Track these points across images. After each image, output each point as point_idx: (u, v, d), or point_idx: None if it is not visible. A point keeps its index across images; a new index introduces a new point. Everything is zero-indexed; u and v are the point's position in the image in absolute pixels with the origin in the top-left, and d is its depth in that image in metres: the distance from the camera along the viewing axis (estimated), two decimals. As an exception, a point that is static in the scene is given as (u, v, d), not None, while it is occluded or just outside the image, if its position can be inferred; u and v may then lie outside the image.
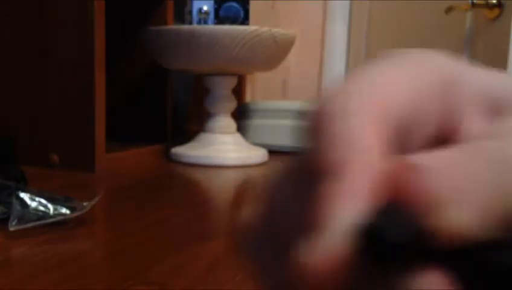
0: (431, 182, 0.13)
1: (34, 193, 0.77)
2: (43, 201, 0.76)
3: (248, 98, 1.92)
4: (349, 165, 0.13)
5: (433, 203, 0.12)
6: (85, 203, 0.79)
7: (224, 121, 1.43)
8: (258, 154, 1.43)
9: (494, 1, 1.63)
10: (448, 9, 1.70)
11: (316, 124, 0.15)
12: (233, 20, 1.54)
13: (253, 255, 0.16)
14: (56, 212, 0.76)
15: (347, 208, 0.12)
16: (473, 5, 1.67)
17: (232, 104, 1.44)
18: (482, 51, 1.70)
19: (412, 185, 0.13)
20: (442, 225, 0.12)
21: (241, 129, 1.56)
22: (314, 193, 0.13)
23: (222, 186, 1.21)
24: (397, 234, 0.12)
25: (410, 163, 0.13)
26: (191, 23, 1.56)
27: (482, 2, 1.66)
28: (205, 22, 1.56)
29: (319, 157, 0.14)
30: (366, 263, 0.12)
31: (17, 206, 0.74)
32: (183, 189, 1.16)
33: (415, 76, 0.15)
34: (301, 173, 0.15)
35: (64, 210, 0.77)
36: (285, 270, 0.14)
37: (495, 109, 0.15)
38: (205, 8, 1.55)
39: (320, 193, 0.13)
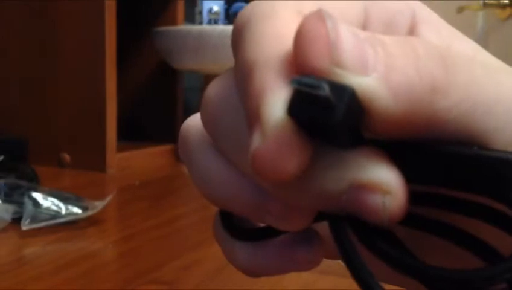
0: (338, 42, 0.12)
1: (46, 193, 0.78)
2: (55, 201, 0.77)
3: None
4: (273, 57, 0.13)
5: (333, 57, 0.12)
6: (97, 203, 0.80)
7: (234, 121, 1.43)
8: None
9: (506, 1, 1.61)
10: (460, 9, 1.68)
11: (240, 27, 0.15)
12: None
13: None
14: (68, 211, 0.77)
15: (274, 94, 0.13)
16: (485, 5, 1.66)
17: (242, 104, 1.44)
18: (494, 50, 1.68)
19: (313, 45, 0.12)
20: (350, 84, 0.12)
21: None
22: (248, 90, 0.13)
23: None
24: (305, 109, 0.12)
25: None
26: (201, 23, 1.56)
27: (494, 1, 1.64)
28: (215, 23, 1.56)
29: (246, 56, 0.14)
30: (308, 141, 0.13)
31: (29, 206, 0.75)
32: (193, 189, 1.15)
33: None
34: (236, 76, 0.15)
35: (76, 210, 0.77)
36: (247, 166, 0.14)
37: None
38: (215, 8, 1.55)
39: (251, 87, 0.13)
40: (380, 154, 0.13)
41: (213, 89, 0.16)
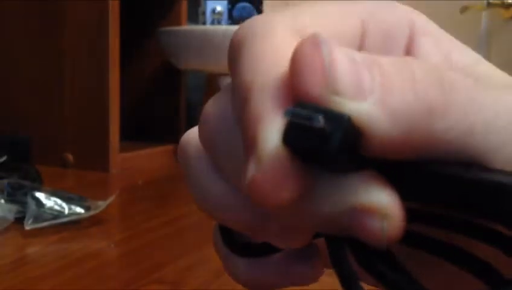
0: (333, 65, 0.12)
1: (49, 193, 0.78)
2: (58, 200, 0.77)
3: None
4: (271, 80, 0.13)
5: (328, 84, 0.12)
6: (100, 203, 0.80)
7: (237, 121, 1.43)
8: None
9: (510, 1, 1.61)
10: (463, 9, 1.68)
11: (237, 46, 0.15)
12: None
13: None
14: (71, 211, 0.77)
15: (270, 122, 0.13)
16: (488, 4, 1.66)
17: (245, 105, 1.44)
18: (498, 50, 1.68)
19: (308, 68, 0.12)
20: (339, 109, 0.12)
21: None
22: (244, 115, 0.13)
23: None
24: (302, 137, 0.12)
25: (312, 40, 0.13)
26: (204, 23, 1.56)
27: (498, 1, 1.64)
28: (219, 23, 1.56)
29: (242, 78, 0.14)
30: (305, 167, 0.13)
31: (32, 206, 0.75)
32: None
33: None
34: (233, 97, 0.15)
35: (79, 209, 0.77)
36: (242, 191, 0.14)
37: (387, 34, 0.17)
38: (219, 8, 1.55)
39: (247, 114, 0.13)
40: (377, 178, 0.13)
41: (211, 108, 0.16)
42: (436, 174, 0.13)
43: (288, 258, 0.17)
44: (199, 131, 0.16)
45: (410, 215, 0.13)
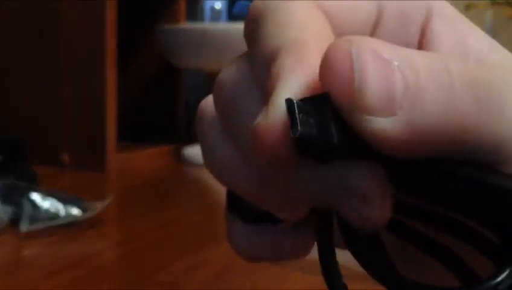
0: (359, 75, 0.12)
1: (45, 194, 0.77)
2: (55, 202, 0.76)
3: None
4: (296, 44, 0.14)
5: (356, 100, 0.12)
6: (97, 204, 0.79)
7: (236, 121, 1.43)
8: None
9: (513, -2, 1.61)
10: (468, 7, 1.68)
11: (258, 16, 0.15)
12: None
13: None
14: (67, 213, 0.76)
15: (289, 84, 0.13)
16: (493, 3, 1.66)
17: (245, 104, 1.44)
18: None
19: (336, 73, 0.13)
20: (361, 126, 0.12)
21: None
22: (269, 74, 0.14)
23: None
24: (306, 131, 0.13)
25: (342, 44, 0.13)
26: (203, 21, 1.56)
27: (502, 0, 1.64)
28: (217, 21, 1.56)
29: (268, 43, 0.14)
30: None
31: (28, 207, 0.74)
32: (194, 190, 1.16)
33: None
34: (251, 63, 0.16)
35: (75, 211, 0.77)
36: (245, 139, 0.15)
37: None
38: (217, 6, 1.55)
39: (272, 72, 0.14)
40: (369, 165, 0.13)
41: (225, 74, 0.16)
42: (439, 171, 0.13)
43: (284, 230, 0.18)
44: (214, 96, 0.17)
45: (408, 210, 0.14)
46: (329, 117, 0.12)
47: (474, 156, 0.13)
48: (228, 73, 0.16)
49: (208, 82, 1.79)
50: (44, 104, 1.26)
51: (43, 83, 1.25)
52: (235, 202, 0.18)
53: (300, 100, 0.13)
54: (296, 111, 0.12)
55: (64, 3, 1.21)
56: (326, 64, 0.13)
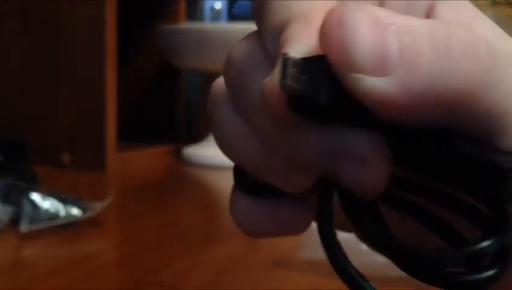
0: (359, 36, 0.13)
1: (46, 194, 0.77)
2: (55, 202, 0.76)
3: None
4: (307, 14, 0.14)
5: (346, 57, 0.12)
6: (97, 204, 0.79)
7: (236, 121, 1.42)
8: (271, 155, 1.42)
9: (513, -2, 1.61)
10: (465, 7, 1.68)
11: None
12: (246, 18, 1.53)
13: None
14: (67, 213, 0.76)
15: (295, 48, 0.14)
16: (494, 2, 1.66)
17: (245, 104, 1.43)
18: (499, 49, 1.68)
19: (332, 36, 0.13)
20: (352, 85, 0.13)
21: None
22: (278, 43, 0.14)
23: (234, 186, 1.21)
24: (302, 88, 0.13)
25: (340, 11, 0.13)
26: (203, 21, 1.56)
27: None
28: (218, 20, 1.56)
29: (278, 16, 0.15)
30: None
31: (27, 207, 0.74)
32: (194, 190, 1.16)
33: None
34: (261, 37, 0.16)
35: (75, 211, 0.77)
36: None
37: None
38: (217, 6, 1.55)
39: (281, 40, 0.14)
40: (368, 129, 0.13)
41: (235, 51, 0.17)
42: (435, 143, 0.13)
43: (284, 205, 0.18)
44: (224, 72, 0.17)
45: (399, 181, 0.14)
46: (322, 76, 0.13)
47: (469, 126, 0.13)
48: (238, 48, 0.17)
49: (207, 83, 1.78)
50: (44, 104, 1.25)
51: (43, 83, 1.25)
52: (240, 177, 0.19)
53: (301, 59, 0.13)
54: (289, 66, 0.13)
55: (64, 3, 1.21)
56: (323, 26, 0.13)
